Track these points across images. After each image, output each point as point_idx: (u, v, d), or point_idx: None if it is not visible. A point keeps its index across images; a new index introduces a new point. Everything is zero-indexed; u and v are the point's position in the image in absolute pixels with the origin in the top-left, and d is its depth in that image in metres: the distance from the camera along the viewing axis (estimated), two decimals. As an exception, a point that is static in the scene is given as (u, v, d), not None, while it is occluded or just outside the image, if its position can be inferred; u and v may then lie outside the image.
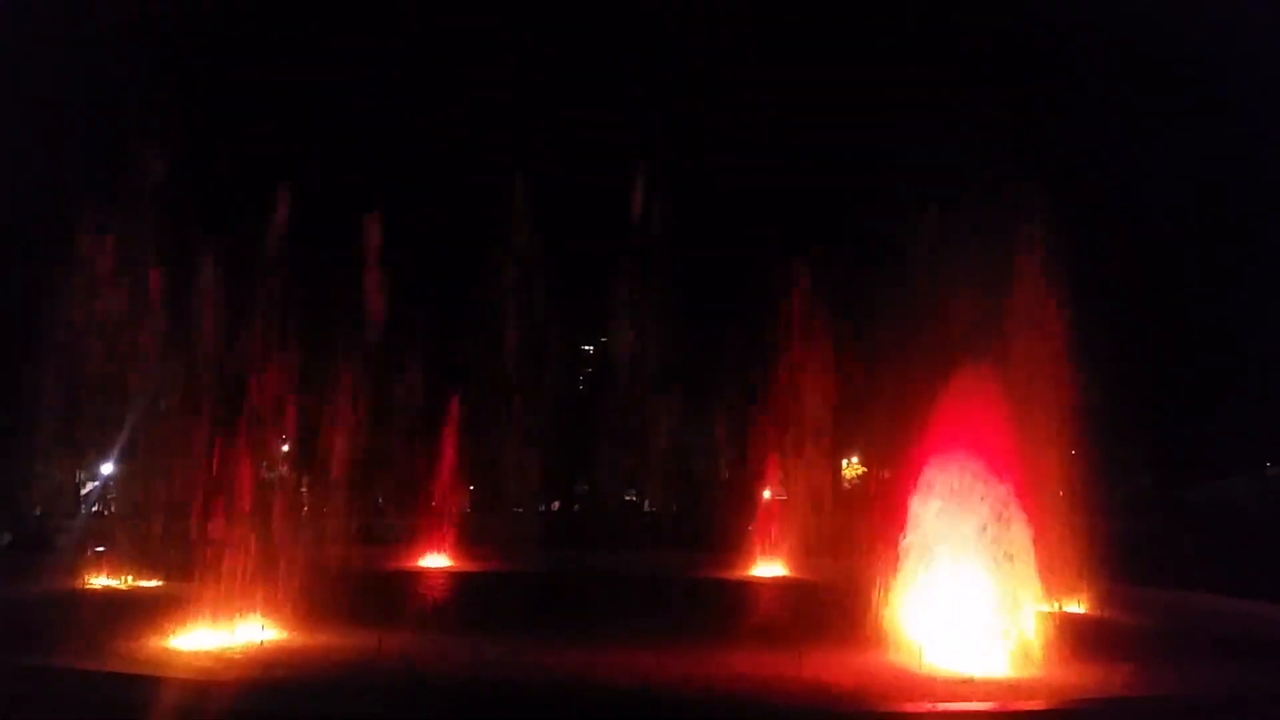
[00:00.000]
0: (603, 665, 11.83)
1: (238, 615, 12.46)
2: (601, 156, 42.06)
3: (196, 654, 11.48)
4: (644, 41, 40.27)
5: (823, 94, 36.90)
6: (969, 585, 12.17)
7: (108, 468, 43.14)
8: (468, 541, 27.85)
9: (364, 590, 19.31)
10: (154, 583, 19.19)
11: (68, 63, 34.23)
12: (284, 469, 47.68)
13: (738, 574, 24.48)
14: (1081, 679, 11.13)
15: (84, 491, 45.07)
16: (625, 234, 41.75)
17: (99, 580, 19.05)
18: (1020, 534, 11.97)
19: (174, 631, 12.18)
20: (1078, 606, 17.12)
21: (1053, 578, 18.34)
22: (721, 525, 32.56)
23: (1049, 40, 37.59)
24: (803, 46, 38.41)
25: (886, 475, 49.78)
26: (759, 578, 24.02)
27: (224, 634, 12.06)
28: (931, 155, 37.28)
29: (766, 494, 44.77)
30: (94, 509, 40.51)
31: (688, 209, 41.76)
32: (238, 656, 11.38)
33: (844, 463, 51.38)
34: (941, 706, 10.07)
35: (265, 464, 47.19)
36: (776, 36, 38.27)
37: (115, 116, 34.95)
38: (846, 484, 50.27)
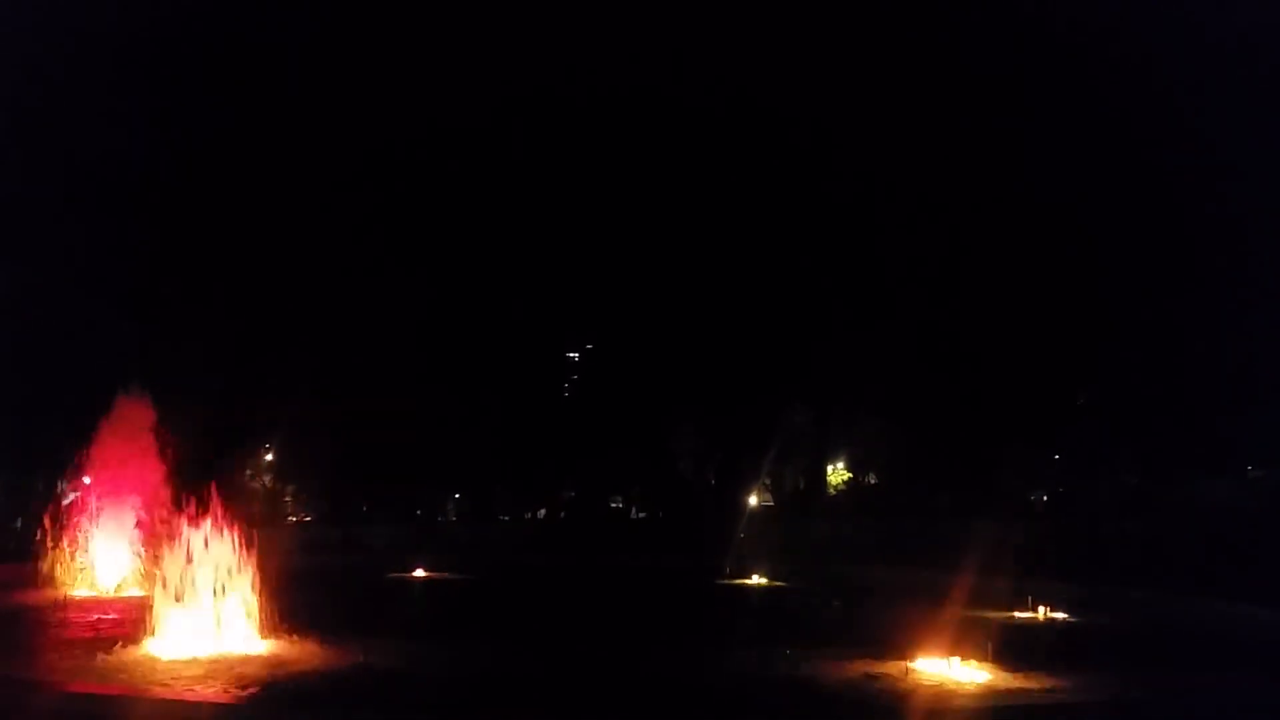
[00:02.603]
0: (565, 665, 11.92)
1: (225, 625, 12.37)
2: (596, 155, 41.89)
3: (184, 664, 11.39)
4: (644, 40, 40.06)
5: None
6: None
7: (89, 477, 42.88)
8: (453, 550, 27.77)
9: (351, 599, 19.28)
10: (139, 592, 19.11)
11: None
12: (268, 478, 47.55)
13: (726, 580, 24.50)
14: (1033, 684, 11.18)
15: (65, 502, 44.68)
16: (617, 237, 41.79)
17: (82, 590, 18.92)
18: None
19: (158, 642, 12.09)
20: (1061, 611, 17.17)
21: (1035, 582, 18.52)
22: (708, 532, 32.63)
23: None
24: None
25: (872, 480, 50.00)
26: (751, 584, 23.97)
27: (210, 644, 11.96)
28: None
29: (753, 500, 44.97)
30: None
31: (682, 211, 41.69)
32: (224, 667, 11.30)
33: (829, 469, 51.58)
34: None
35: (250, 473, 47.09)
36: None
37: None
38: (832, 490, 50.46)
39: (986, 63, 36.62)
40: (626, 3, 39.20)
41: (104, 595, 18.74)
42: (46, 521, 19.80)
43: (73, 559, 19.58)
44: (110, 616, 15.81)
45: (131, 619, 12.55)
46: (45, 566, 19.49)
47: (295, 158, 37.11)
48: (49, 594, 18.54)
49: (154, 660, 11.55)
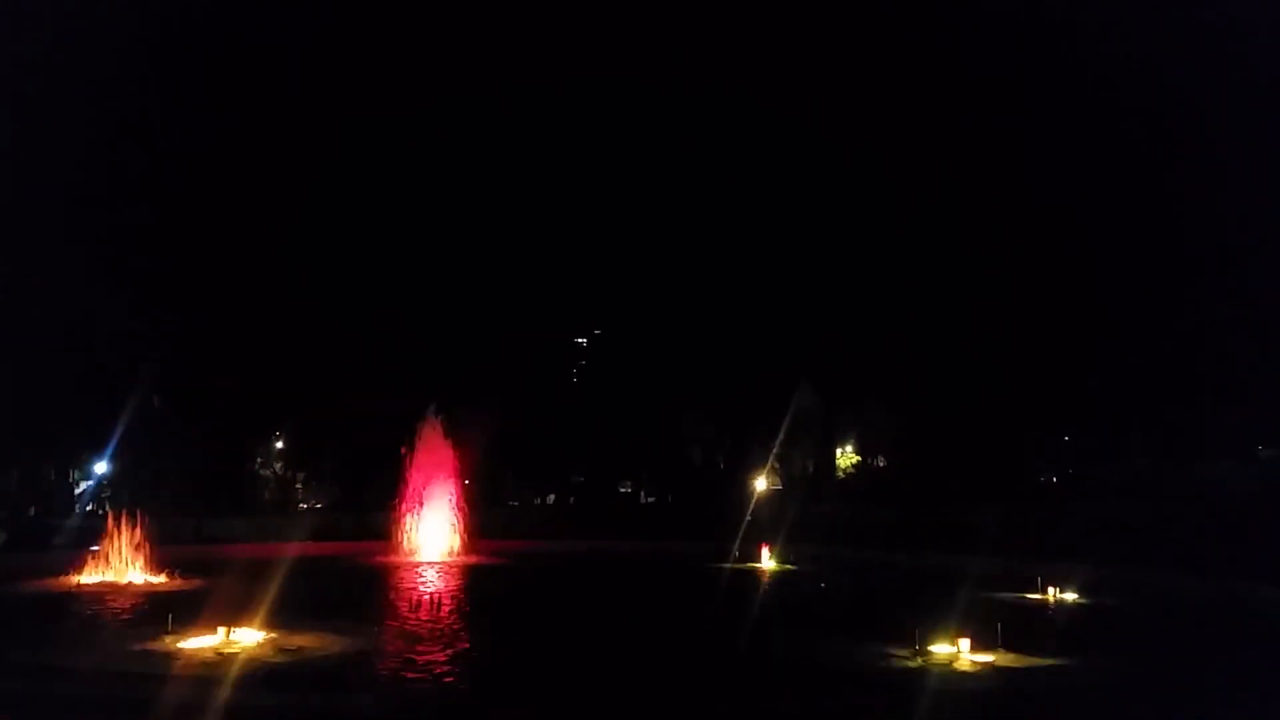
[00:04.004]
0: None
1: (237, 613, 12.46)
2: (605, 144, 41.91)
3: (196, 650, 11.49)
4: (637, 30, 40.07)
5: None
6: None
7: (101, 467, 43.15)
8: (465, 535, 27.80)
9: (364, 586, 19.37)
10: (150, 580, 19.28)
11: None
12: (278, 466, 47.72)
13: (736, 564, 24.52)
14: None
15: (78, 491, 45.02)
16: (620, 223, 41.75)
17: (94, 578, 19.08)
18: None
19: (171, 629, 12.19)
20: (1071, 593, 17.18)
21: (1045, 564, 18.53)
22: (718, 516, 32.66)
23: None
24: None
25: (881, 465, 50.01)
26: (761, 567, 23.96)
27: (222, 631, 12.05)
28: None
29: (762, 483, 44.98)
30: (88, 508, 40.48)
31: (683, 199, 41.62)
32: (237, 653, 11.38)
33: (838, 452, 51.54)
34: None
35: (260, 461, 47.20)
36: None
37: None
38: (841, 474, 50.43)
39: (986, 63, 36.62)
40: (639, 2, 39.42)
41: (118, 582, 18.89)
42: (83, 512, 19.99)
43: (87, 549, 19.75)
44: (120, 605, 15.97)
45: (142, 608, 12.63)
46: (58, 556, 19.65)
47: (297, 155, 37.19)
48: (62, 582, 18.73)
49: (169, 649, 11.68)
